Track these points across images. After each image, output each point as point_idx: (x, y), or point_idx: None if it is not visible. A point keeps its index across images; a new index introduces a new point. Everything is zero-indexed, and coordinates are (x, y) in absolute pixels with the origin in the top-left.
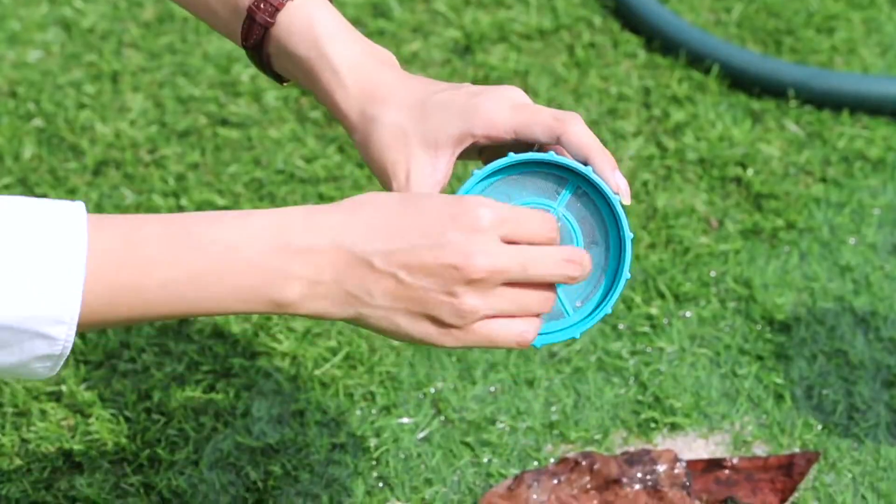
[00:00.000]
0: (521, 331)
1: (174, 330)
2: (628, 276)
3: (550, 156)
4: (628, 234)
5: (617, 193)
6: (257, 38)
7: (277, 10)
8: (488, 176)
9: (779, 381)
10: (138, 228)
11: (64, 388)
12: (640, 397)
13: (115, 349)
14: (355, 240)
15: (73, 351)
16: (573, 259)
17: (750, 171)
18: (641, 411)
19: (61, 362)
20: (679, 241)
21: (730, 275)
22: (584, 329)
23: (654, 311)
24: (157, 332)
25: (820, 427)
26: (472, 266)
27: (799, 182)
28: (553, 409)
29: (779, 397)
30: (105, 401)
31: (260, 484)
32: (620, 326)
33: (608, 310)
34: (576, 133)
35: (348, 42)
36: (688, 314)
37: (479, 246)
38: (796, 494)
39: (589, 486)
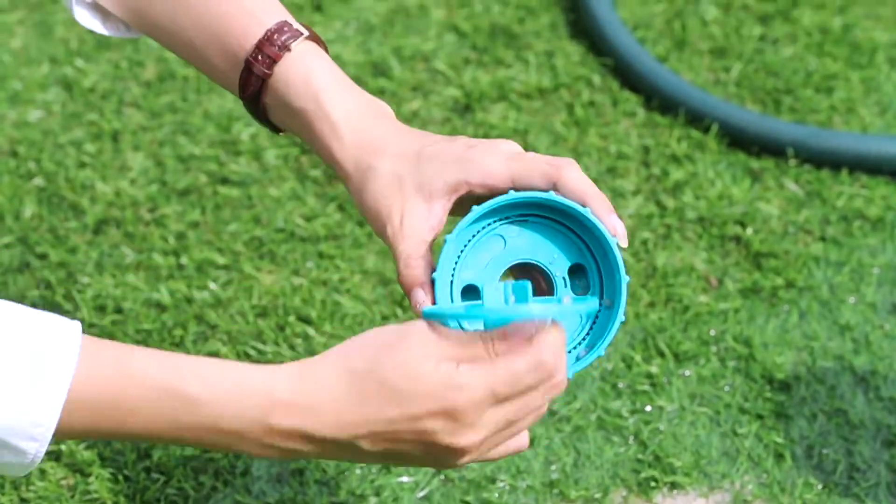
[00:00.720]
0: (517, 446)
1: None
2: (623, 318)
3: (550, 196)
4: (624, 278)
5: (614, 236)
6: (254, 90)
7: (275, 61)
8: (487, 213)
9: (779, 440)
10: (131, 375)
11: (63, 447)
12: (640, 456)
13: None
14: (339, 423)
15: None
16: (558, 388)
17: (749, 230)
18: (641, 470)
19: (32, 468)
20: (679, 300)
21: (729, 333)
22: (577, 370)
23: (653, 369)
24: None
25: (820, 486)
26: (457, 447)
27: (798, 241)
28: (553, 467)
29: (779, 456)
30: (104, 460)
31: None
32: (620, 385)
33: (601, 352)
34: (571, 178)
35: (345, 95)
36: (687, 373)
37: (464, 427)
38: None
39: None
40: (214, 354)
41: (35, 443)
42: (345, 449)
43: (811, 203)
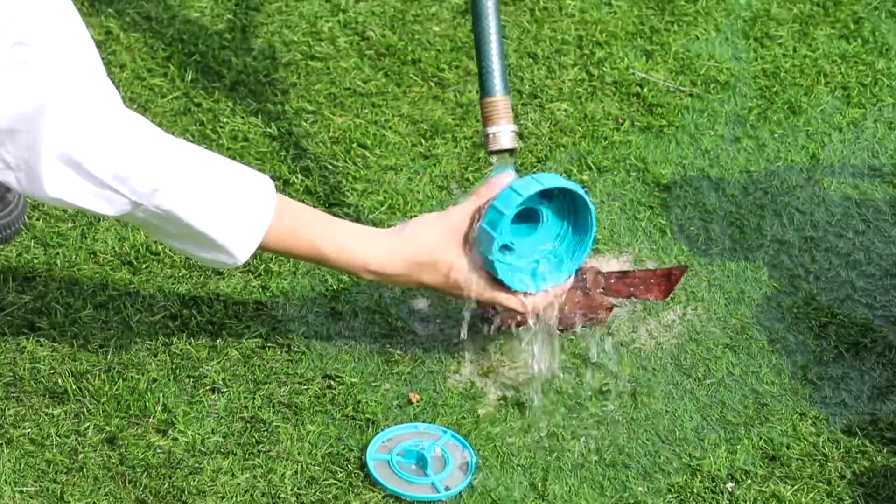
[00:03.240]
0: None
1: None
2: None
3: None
4: (593, 230)
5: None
6: None
7: None
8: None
9: (663, 222)
10: (301, 222)
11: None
12: None
13: None
14: (412, 256)
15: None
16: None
17: (645, 90)
18: None
19: (238, 265)
20: (601, 134)
21: (633, 155)
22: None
23: (584, 178)
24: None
25: (688, 250)
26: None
27: (676, 96)
28: None
29: (662, 232)
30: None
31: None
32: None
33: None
34: None
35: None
36: (606, 180)
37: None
38: (674, 292)
39: None
40: (305, 168)
41: (246, 252)
42: (417, 269)
43: (684, 72)
